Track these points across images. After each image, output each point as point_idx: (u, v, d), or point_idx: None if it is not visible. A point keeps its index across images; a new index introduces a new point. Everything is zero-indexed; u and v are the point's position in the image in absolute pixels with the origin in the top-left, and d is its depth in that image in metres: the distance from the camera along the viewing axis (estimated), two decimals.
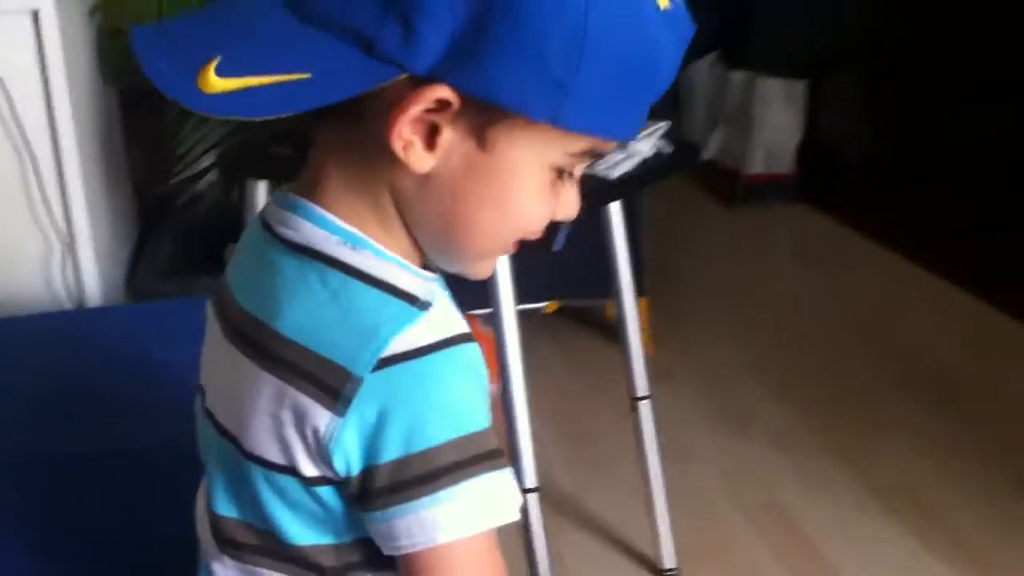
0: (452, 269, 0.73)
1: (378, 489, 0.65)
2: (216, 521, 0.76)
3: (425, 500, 0.65)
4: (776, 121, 3.32)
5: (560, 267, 2.44)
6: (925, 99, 2.86)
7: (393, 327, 0.65)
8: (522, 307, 1.36)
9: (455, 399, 0.66)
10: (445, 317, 0.68)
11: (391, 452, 0.64)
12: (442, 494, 0.64)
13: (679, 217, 3.33)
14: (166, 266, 2.08)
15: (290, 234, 0.69)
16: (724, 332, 2.56)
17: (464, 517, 0.66)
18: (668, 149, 1.38)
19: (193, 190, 1.63)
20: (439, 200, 0.67)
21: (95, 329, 1.56)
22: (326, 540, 0.72)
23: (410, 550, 0.66)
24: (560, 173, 0.68)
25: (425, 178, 0.65)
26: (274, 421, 0.67)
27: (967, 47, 2.70)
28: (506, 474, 0.67)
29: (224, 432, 0.73)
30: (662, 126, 1.37)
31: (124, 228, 2.13)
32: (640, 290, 2.35)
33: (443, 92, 0.61)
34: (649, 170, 1.36)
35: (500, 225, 0.68)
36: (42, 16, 1.62)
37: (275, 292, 0.68)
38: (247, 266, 0.74)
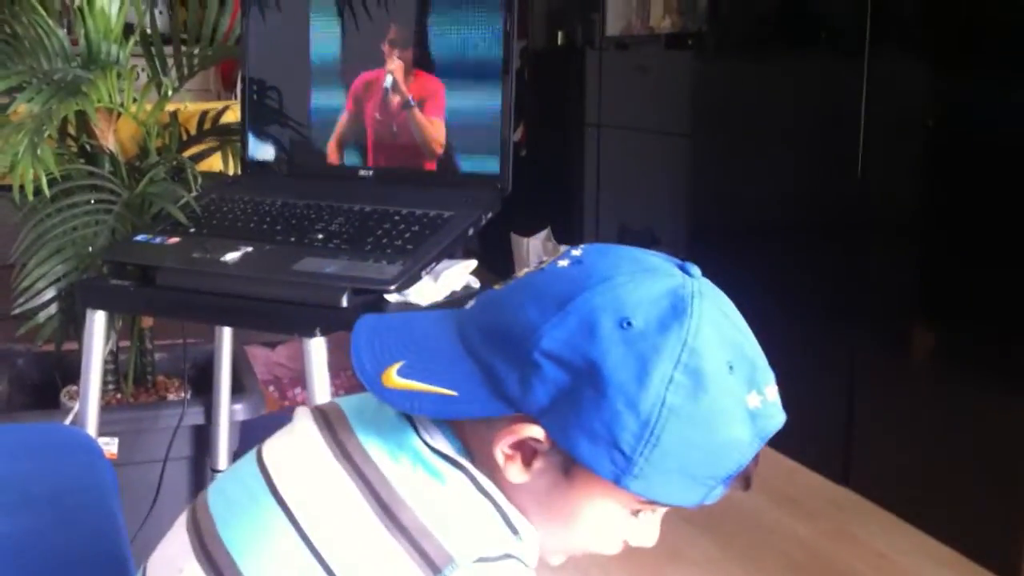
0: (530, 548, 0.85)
1: None
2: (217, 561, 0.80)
3: None
4: None
5: None
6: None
7: (496, 540, 0.78)
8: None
9: None
10: (532, 553, 0.81)
11: None
12: None
13: None
14: (1, 406, 2.16)
15: (435, 442, 0.80)
16: None
17: None
18: (476, 284, 1.54)
19: (35, 320, 1.75)
20: (525, 501, 0.80)
21: None
22: None
23: None
24: (639, 512, 0.81)
25: (517, 486, 0.79)
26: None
27: (768, 229, 3.03)
28: None
29: (313, 550, 0.77)
30: (471, 263, 1.52)
31: None
32: None
33: (537, 432, 0.76)
34: (457, 300, 1.49)
35: (568, 541, 0.83)
36: None
37: (410, 463, 0.79)
38: (373, 415, 0.83)
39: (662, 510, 0.83)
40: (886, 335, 2.61)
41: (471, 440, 0.81)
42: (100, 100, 1.74)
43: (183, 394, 2.04)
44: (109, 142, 1.86)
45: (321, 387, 1.42)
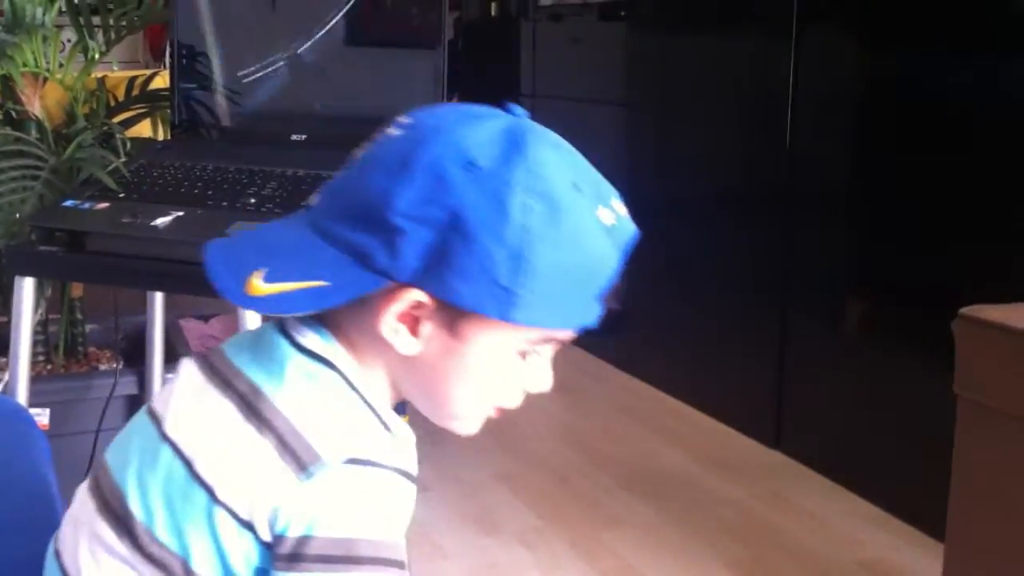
0: (439, 424, 0.87)
1: (306, 555, 0.76)
2: (118, 510, 0.82)
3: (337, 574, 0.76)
4: None
5: None
6: (668, 245, 3.20)
7: (368, 439, 0.79)
8: None
9: (389, 510, 0.79)
10: (408, 456, 0.82)
11: (328, 531, 0.76)
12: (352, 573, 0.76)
13: None
14: None
15: (307, 342, 0.82)
16: (479, 451, 2.74)
17: None
18: None
19: None
20: (422, 375, 0.82)
21: None
22: None
23: None
24: (527, 354, 0.83)
25: (411, 359, 0.81)
26: (257, 479, 0.77)
27: (701, 197, 3.06)
28: None
29: (188, 464, 0.80)
30: None
31: None
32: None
33: (418, 296, 0.77)
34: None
35: (475, 398, 0.84)
36: None
37: (281, 372, 0.80)
38: (249, 342, 0.85)
39: (548, 351, 0.85)
40: (816, 304, 2.66)
41: (352, 332, 0.82)
42: (26, 64, 1.71)
43: (115, 365, 2.01)
44: (35, 108, 1.83)
45: None
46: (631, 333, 3.33)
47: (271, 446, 0.77)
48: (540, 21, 3.89)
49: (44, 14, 1.81)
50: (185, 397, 0.84)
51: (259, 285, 0.78)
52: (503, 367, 0.83)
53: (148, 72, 2.09)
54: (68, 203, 1.58)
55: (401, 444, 0.82)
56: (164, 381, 1.93)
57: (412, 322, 0.80)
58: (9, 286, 1.61)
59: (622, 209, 0.83)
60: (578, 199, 0.79)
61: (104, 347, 2.14)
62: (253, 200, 1.50)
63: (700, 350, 3.06)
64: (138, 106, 1.97)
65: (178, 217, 1.47)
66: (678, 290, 3.15)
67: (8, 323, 1.65)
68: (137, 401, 1.96)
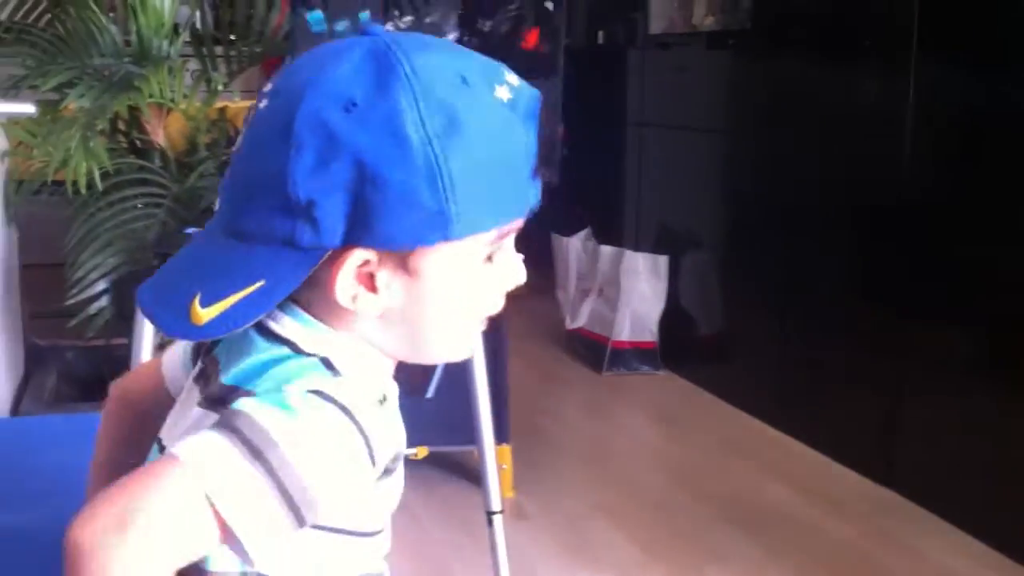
0: (437, 361, 0.88)
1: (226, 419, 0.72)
2: None
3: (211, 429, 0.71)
4: (641, 293, 3.57)
5: (430, 414, 2.61)
6: (770, 274, 3.15)
7: (298, 373, 0.75)
8: None
9: (332, 455, 0.72)
10: (360, 408, 0.74)
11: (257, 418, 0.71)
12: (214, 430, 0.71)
13: (551, 380, 3.56)
14: (50, 398, 2.19)
15: (273, 325, 0.79)
16: (582, 480, 2.73)
17: (201, 453, 0.70)
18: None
19: (86, 312, 1.78)
20: (399, 326, 0.79)
21: None
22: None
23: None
24: (490, 257, 0.80)
25: (381, 317, 0.78)
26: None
27: (808, 229, 3.02)
28: (265, 503, 0.70)
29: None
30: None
31: (12, 367, 2.25)
32: (504, 438, 2.54)
33: (358, 254, 0.75)
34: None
35: (458, 323, 0.82)
36: None
37: (250, 367, 0.78)
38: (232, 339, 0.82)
39: (510, 244, 0.82)
40: (931, 336, 2.59)
41: (320, 312, 0.79)
42: (151, 95, 1.76)
43: None
44: (159, 137, 1.89)
45: None
46: (734, 363, 3.29)
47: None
48: (648, 48, 3.88)
49: (170, 46, 1.87)
50: (180, 401, 0.85)
51: (200, 312, 0.75)
52: (472, 281, 0.80)
53: None
54: (190, 230, 1.62)
55: (387, 418, 0.77)
56: None
57: (367, 279, 0.77)
58: (131, 310, 1.66)
59: (514, 78, 0.79)
60: (469, 91, 0.75)
61: None
62: None
63: (807, 381, 3.00)
64: None
65: None
66: (783, 319, 3.11)
67: (129, 345, 1.70)
68: None
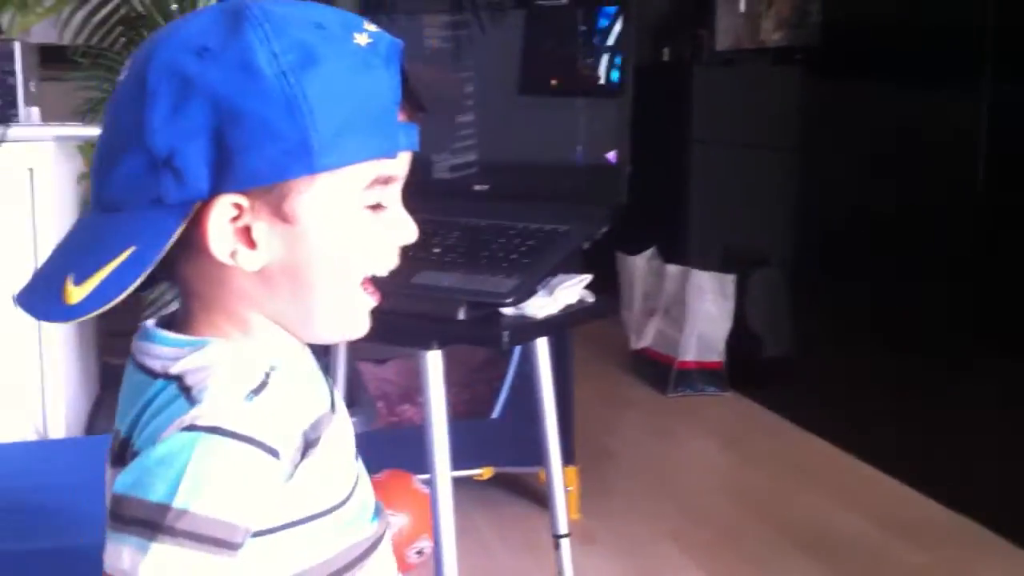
0: (335, 338, 0.84)
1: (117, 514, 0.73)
2: None
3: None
4: (708, 313, 3.53)
5: (495, 435, 2.60)
6: (840, 293, 3.10)
7: (164, 420, 0.73)
8: (457, 473, 1.43)
9: (218, 481, 0.71)
10: (222, 414, 0.73)
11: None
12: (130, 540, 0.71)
13: (616, 401, 3.53)
14: None
15: (150, 361, 0.78)
16: (648, 503, 2.70)
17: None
18: (590, 299, 1.54)
19: None
20: (283, 284, 0.77)
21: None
22: None
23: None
24: (374, 208, 0.79)
25: (262, 273, 0.77)
26: None
27: (879, 247, 2.96)
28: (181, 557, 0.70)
29: None
30: (586, 278, 1.51)
31: (87, 386, 2.28)
32: (570, 460, 2.51)
33: (226, 200, 0.73)
34: (572, 315, 1.49)
35: (343, 279, 0.79)
36: (36, 175, 1.81)
37: (127, 406, 0.78)
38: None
39: (395, 197, 0.81)
40: (1006, 360, 2.52)
41: (201, 287, 0.78)
42: None
43: None
44: None
45: (437, 399, 1.42)
46: (804, 385, 3.23)
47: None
48: (714, 65, 3.85)
49: None
50: None
51: (73, 290, 0.73)
52: (352, 227, 0.78)
53: None
54: None
55: (272, 400, 0.75)
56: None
57: (244, 235, 0.75)
58: None
59: (373, 27, 0.78)
60: (325, 33, 0.75)
61: None
62: (437, 250, 1.52)
63: (878, 405, 2.94)
64: None
65: None
66: (853, 341, 3.05)
67: None
68: None
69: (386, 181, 0.79)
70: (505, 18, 1.66)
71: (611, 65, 1.57)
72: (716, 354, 3.55)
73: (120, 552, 0.71)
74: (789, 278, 3.44)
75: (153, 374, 0.77)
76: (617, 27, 1.56)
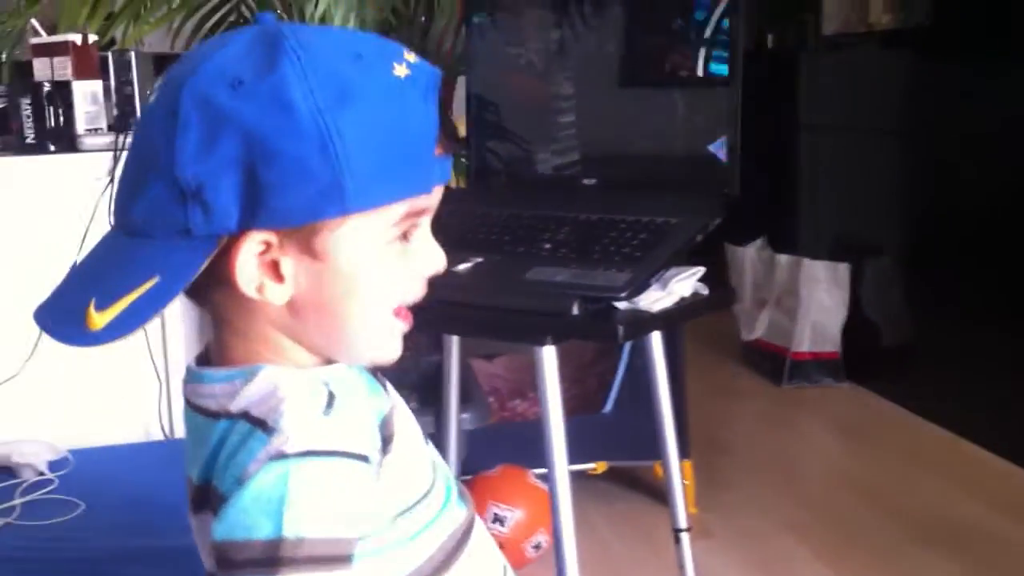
0: (367, 363, 0.83)
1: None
2: None
3: None
4: (822, 302, 3.46)
5: (608, 429, 2.59)
6: (959, 279, 3.01)
7: (250, 452, 0.72)
8: (573, 468, 1.42)
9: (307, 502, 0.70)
10: (305, 436, 0.72)
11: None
12: None
13: (728, 393, 3.49)
14: None
15: (204, 402, 0.78)
16: (764, 496, 2.66)
17: None
18: (705, 291, 1.52)
19: None
20: (311, 316, 0.76)
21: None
22: None
23: None
24: (404, 236, 0.78)
25: (291, 305, 0.76)
26: None
27: (999, 232, 2.87)
28: None
29: None
30: (700, 270, 1.50)
31: None
32: (685, 454, 2.49)
33: (256, 237, 0.72)
34: (687, 308, 1.47)
35: (375, 309, 0.78)
36: None
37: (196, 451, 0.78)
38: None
39: (425, 226, 0.79)
40: None
41: (232, 317, 0.77)
42: None
43: (412, 404, 2.08)
44: None
45: (552, 396, 1.42)
46: (922, 374, 3.15)
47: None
48: (820, 50, 3.77)
49: None
50: None
51: (95, 316, 0.72)
52: (383, 261, 0.76)
53: None
54: None
55: (345, 411, 0.75)
56: (459, 421, 1.98)
57: (271, 268, 0.74)
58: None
59: (413, 56, 0.76)
60: (363, 65, 0.72)
61: (401, 387, 2.22)
62: (548, 245, 1.52)
63: (998, 392, 2.84)
64: None
65: (477, 263, 1.50)
66: (972, 328, 2.96)
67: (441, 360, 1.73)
68: (434, 439, 2.02)
69: (418, 214, 0.78)
70: (610, 9, 1.66)
71: (720, 54, 1.55)
72: (831, 344, 3.48)
73: None
74: (904, 265, 3.35)
75: (214, 415, 0.77)
76: (724, 15, 1.54)
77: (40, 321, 0.76)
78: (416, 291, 0.81)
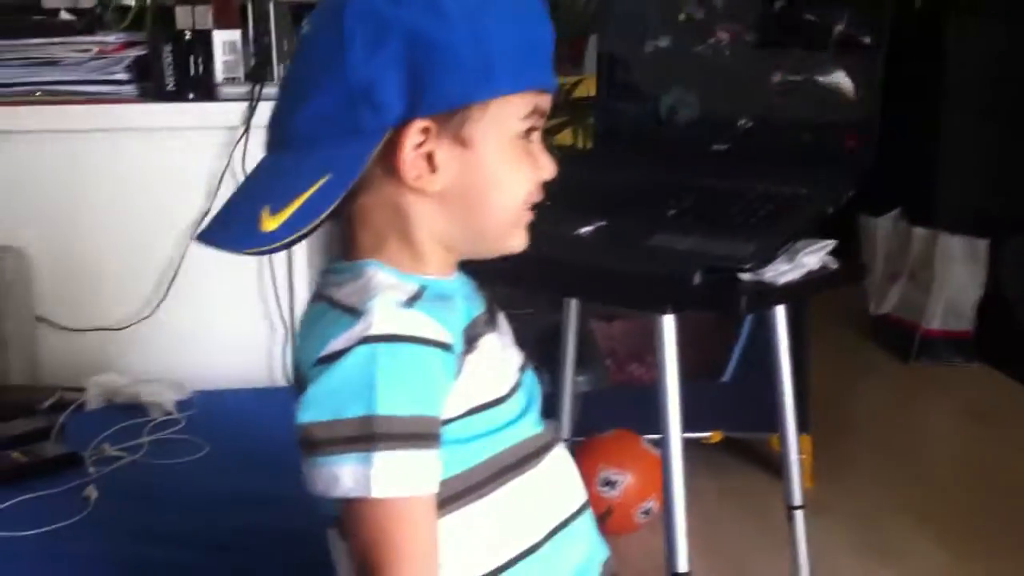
0: (496, 253, 0.91)
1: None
2: None
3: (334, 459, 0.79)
4: (957, 279, 3.35)
5: (726, 399, 2.55)
6: None
7: (333, 333, 0.80)
8: (687, 435, 1.41)
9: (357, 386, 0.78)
10: (391, 322, 0.80)
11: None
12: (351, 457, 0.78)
13: (853, 367, 3.40)
14: None
15: (321, 290, 0.88)
16: (885, 476, 2.59)
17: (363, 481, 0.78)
18: (834, 265, 1.47)
19: None
20: (457, 205, 0.86)
21: None
22: None
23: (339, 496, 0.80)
24: (528, 135, 0.88)
25: (440, 196, 0.85)
26: None
27: None
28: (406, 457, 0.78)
29: None
30: (830, 243, 1.46)
31: None
32: (805, 428, 2.43)
33: (419, 124, 0.82)
34: (813, 281, 1.43)
35: (510, 200, 0.88)
36: None
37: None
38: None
39: (537, 135, 0.89)
40: None
41: (373, 214, 0.86)
42: None
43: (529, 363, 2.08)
44: None
45: (671, 365, 1.40)
46: None
47: None
48: (967, 15, 3.61)
49: None
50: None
51: (268, 221, 0.80)
52: (517, 155, 0.87)
53: (572, 80, 2.14)
54: None
55: (432, 305, 0.83)
56: (575, 384, 1.97)
57: (426, 159, 0.83)
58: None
59: None
60: None
61: (519, 345, 2.22)
62: (673, 211, 1.49)
63: None
64: (561, 115, 2.03)
65: (600, 226, 1.49)
66: None
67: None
68: (548, 400, 2.02)
69: (541, 113, 0.88)
70: None
71: (865, 16, 1.49)
72: (965, 322, 3.37)
73: (337, 474, 0.78)
74: None
75: (328, 301, 0.85)
76: None
77: (205, 239, 0.84)
78: (536, 192, 0.90)
